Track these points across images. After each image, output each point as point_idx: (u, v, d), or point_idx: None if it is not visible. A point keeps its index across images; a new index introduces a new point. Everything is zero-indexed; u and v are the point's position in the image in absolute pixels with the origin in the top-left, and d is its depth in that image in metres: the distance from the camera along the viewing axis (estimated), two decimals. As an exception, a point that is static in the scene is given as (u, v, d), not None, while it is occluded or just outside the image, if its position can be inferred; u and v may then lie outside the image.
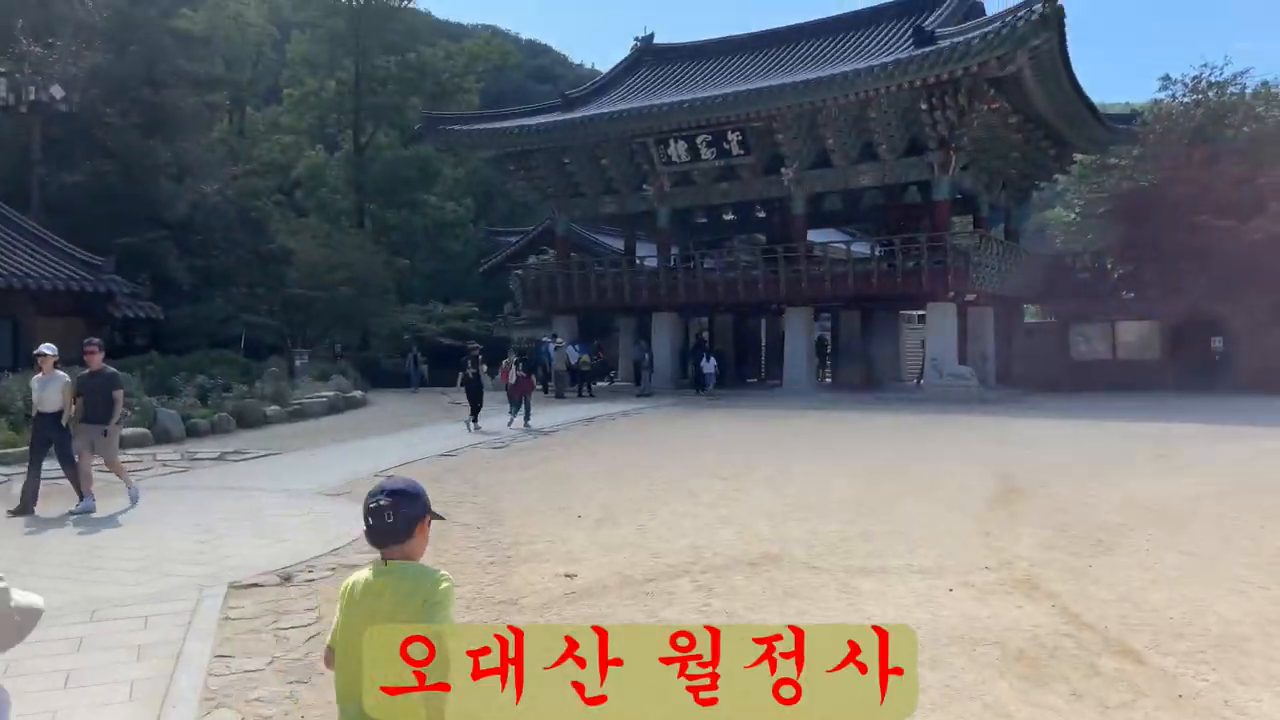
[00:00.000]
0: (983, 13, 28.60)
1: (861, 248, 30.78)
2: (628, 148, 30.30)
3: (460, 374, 19.34)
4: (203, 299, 29.33)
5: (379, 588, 2.54)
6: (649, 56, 35.73)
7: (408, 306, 43.53)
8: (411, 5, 48.66)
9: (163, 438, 16.81)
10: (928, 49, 23.51)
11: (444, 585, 2.52)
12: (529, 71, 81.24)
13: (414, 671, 2.27)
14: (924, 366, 26.41)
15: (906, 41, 26.88)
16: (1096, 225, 35.50)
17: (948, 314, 26.10)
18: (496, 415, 19.33)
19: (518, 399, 19.06)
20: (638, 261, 33.24)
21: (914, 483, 11.70)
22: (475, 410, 18.42)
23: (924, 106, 25.06)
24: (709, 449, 15.17)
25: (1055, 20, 21.51)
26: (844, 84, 24.66)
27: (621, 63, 35.77)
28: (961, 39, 22.92)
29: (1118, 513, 9.98)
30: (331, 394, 23.28)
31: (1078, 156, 33.50)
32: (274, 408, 20.52)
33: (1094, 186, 36.90)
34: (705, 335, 43.52)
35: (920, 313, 43.93)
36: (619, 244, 41.43)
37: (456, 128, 32.23)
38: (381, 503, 2.58)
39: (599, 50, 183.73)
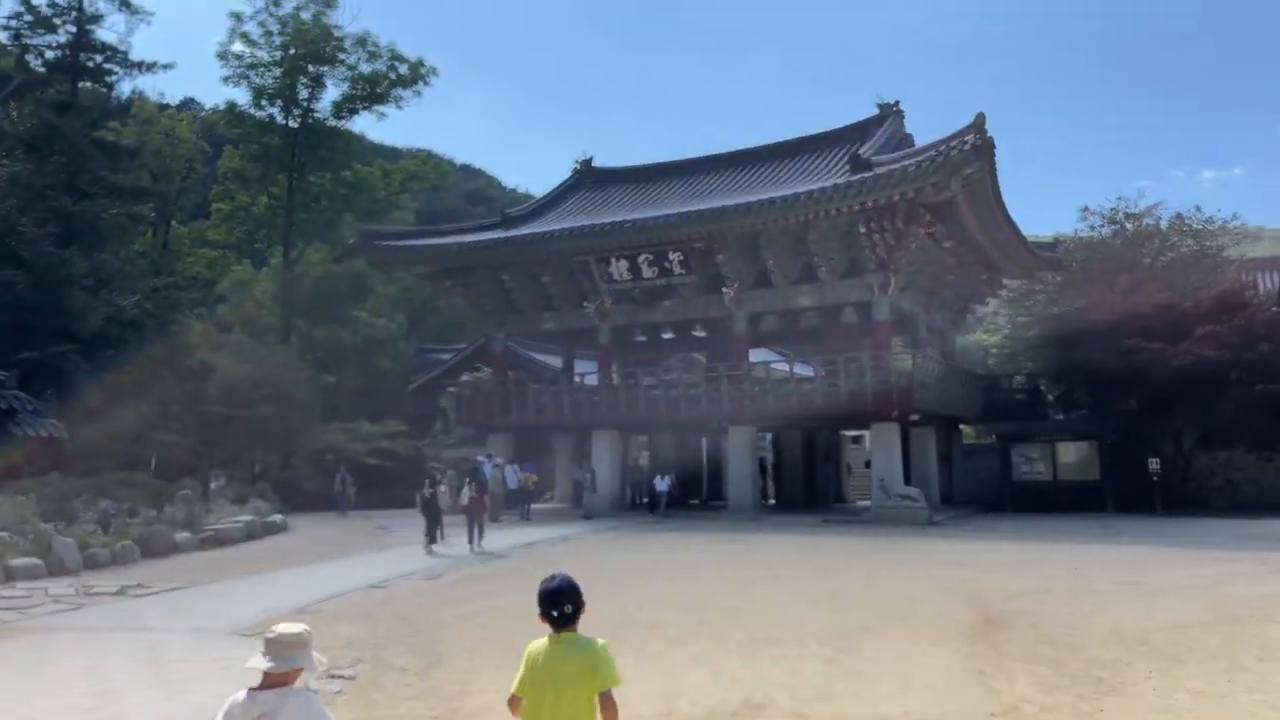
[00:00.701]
0: (913, 144, 29.74)
1: (803, 369, 30.77)
2: (569, 265, 30.12)
3: (418, 495, 19.36)
4: (113, 417, 27.52)
5: (559, 654, 3.69)
6: (589, 179, 36.13)
7: (332, 425, 41.89)
8: (346, 127, 48.84)
9: (57, 569, 15.11)
10: (865, 175, 24.10)
11: (601, 644, 3.74)
12: (463, 194, 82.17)
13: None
14: (871, 487, 26.00)
15: (844, 168, 27.63)
16: (1028, 348, 36.40)
17: (892, 434, 25.91)
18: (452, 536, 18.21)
19: (471, 519, 18.88)
20: (577, 379, 32.63)
21: (885, 610, 10.96)
22: (433, 530, 18.43)
23: (862, 230, 25.53)
24: (663, 576, 14.23)
25: (986, 150, 22.29)
26: (784, 207, 25.01)
27: (562, 184, 36.07)
28: (898, 165, 23.57)
29: (1108, 646, 9.37)
30: (249, 519, 21.62)
31: (1006, 281, 34.56)
32: (184, 534, 18.85)
33: (1021, 310, 38.14)
34: (645, 454, 42.91)
35: (859, 432, 44.33)
36: (556, 361, 40.92)
37: (392, 243, 31.75)
38: (564, 604, 3.74)
39: (532, 175, 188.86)
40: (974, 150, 22.22)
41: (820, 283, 27.35)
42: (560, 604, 3.72)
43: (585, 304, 30.74)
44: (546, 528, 22.93)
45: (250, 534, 21.06)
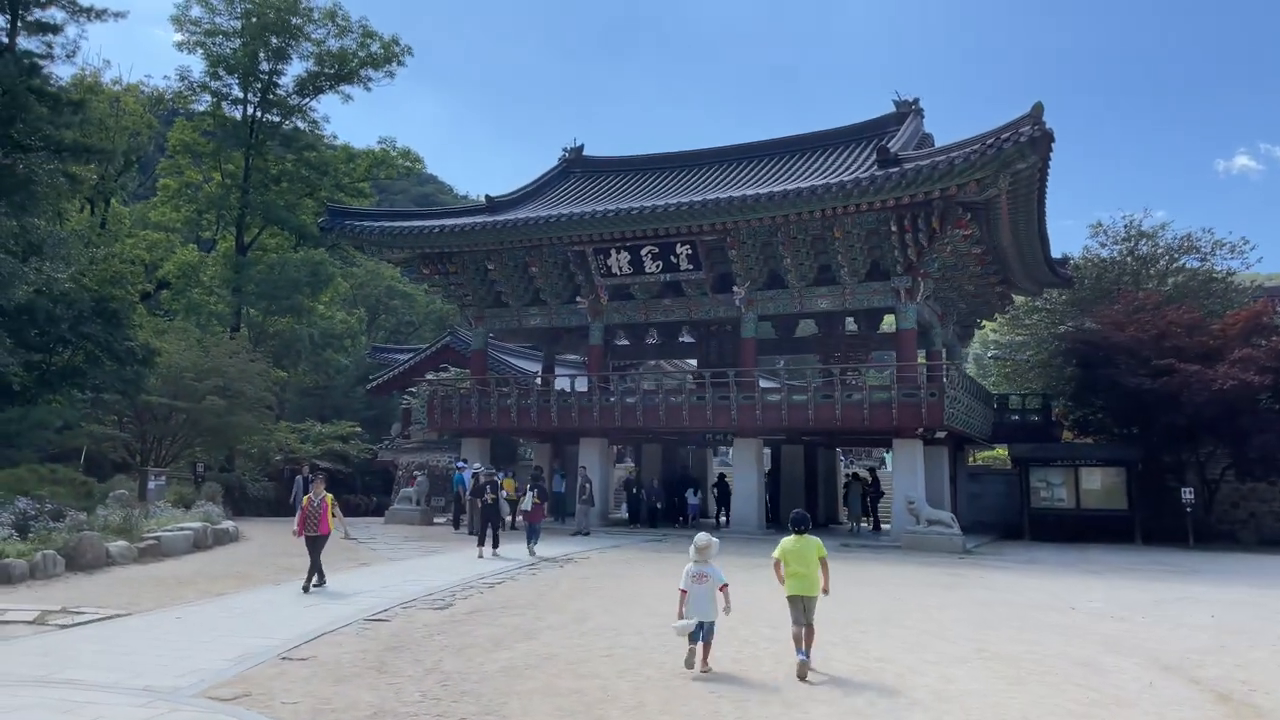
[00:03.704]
0: (933, 143, 27.81)
1: (794, 381, 28.54)
2: (562, 256, 27.48)
3: (478, 500, 19.17)
4: (36, 401, 24.06)
5: (800, 542, 8.48)
6: (578, 168, 33.58)
7: (279, 424, 38.47)
8: (310, 106, 45.34)
9: (-45, 585, 12.03)
10: (906, 167, 21.96)
11: (818, 541, 8.57)
12: (414, 198, 78.42)
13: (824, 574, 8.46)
14: (894, 510, 23.74)
15: (865, 165, 25.52)
16: (1033, 367, 34.77)
17: (916, 452, 23.76)
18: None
19: (530, 527, 18.92)
20: (564, 383, 29.99)
21: (1086, 684, 8.49)
22: (495, 538, 18.04)
23: (893, 229, 23.40)
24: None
25: (1044, 144, 20.31)
26: (812, 199, 22.76)
27: (548, 172, 33.41)
28: (942, 158, 21.47)
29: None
30: (198, 525, 18.48)
31: (1015, 297, 32.88)
32: (120, 543, 15.74)
33: (1021, 329, 36.55)
34: (623, 465, 40.26)
35: (851, 450, 42.30)
36: (527, 365, 38.15)
37: (366, 224, 28.70)
38: (802, 525, 8.61)
39: (485, 184, 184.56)
40: (1030, 143, 20.20)
41: (840, 285, 25.14)
42: (802, 525, 8.66)
43: (578, 299, 28.08)
44: (543, 545, 20.16)
45: (198, 543, 17.98)
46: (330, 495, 13.63)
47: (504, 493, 20.36)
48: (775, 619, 10.33)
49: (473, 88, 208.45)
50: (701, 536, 8.58)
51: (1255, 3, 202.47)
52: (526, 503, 19.38)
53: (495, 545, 17.90)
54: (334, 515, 13.48)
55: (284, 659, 8.51)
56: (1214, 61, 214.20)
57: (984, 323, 34.66)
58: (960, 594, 13.96)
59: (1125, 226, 33.20)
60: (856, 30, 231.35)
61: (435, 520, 28.18)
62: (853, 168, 25.96)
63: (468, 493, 24.55)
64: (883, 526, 29.66)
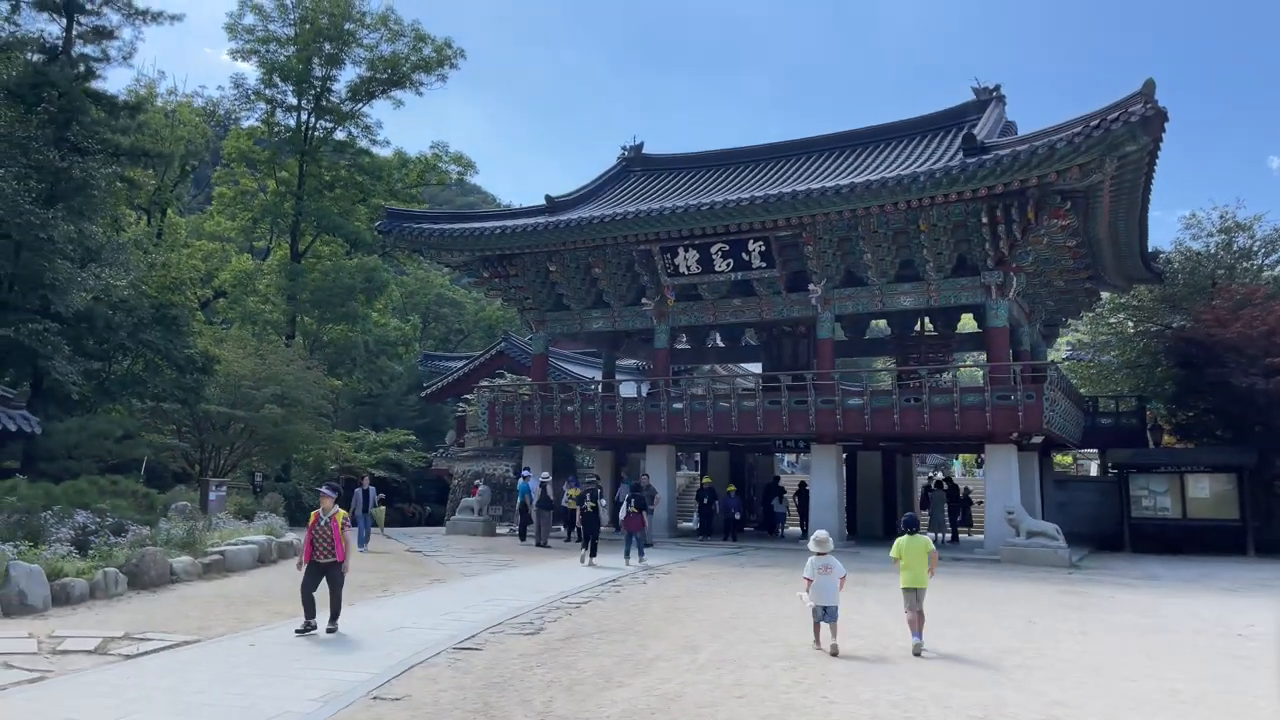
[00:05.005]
0: (1016, 131, 26.28)
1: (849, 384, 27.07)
2: (627, 256, 26.40)
3: (578, 509, 19.94)
4: (96, 411, 23.56)
5: (913, 541, 9.94)
6: (638, 166, 32.54)
7: (333, 432, 37.90)
8: (364, 111, 44.97)
9: (15, 607, 11.26)
10: (1002, 152, 20.49)
11: (928, 538, 10.49)
12: (459, 209, 78.00)
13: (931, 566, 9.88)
14: (989, 521, 22.19)
15: (948, 155, 24.10)
16: (1123, 367, 32.91)
17: (1010, 458, 22.23)
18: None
19: (629, 536, 18.60)
20: (630, 389, 28.92)
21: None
22: (593, 546, 18.36)
23: (984, 220, 21.93)
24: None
25: (1157, 124, 18.70)
26: (898, 189, 21.37)
27: (607, 171, 32.40)
28: (1041, 142, 19.96)
29: None
30: (262, 539, 17.66)
31: (1104, 295, 31.09)
32: (184, 558, 14.93)
33: (1106, 328, 34.69)
34: (681, 471, 39.09)
35: (926, 455, 40.58)
36: (586, 372, 37.17)
37: (426, 226, 27.88)
38: (912, 528, 10.15)
39: (528, 194, 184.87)
40: (1142, 123, 18.60)
41: (924, 282, 23.68)
42: (913, 527, 10.12)
43: (643, 300, 26.97)
44: (609, 556, 19.04)
45: (262, 558, 17.15)
46: (342, 512, 10.76)
47: (603, 502, 20.09)
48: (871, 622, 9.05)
49: (510, 95, 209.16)
50: (820, 532, 10.25)
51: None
52: (622, 511, 19.34)
53: (594, 554, 18.26)
54: (344, 540, 10.68)
55: (375, 698, 7.46)
56: (1266, 60, 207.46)
57: (1070, 321, 32.88)
58: (1098, 617, 12.52)
59: (1220, 218, 31.21)
60: (890, 29, 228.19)
61: (498, 530, 27.28)
62: (935, 158, 24.52)
63: (534, 503, 23.63)
64: (960, 537, 28.12)
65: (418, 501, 42.36)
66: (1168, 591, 15.55)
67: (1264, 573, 19.04)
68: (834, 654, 9.34)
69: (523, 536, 24.12)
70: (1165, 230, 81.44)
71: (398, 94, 44.34)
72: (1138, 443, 28.49)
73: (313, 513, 10.82)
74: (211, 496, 21.97)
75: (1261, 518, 24.45)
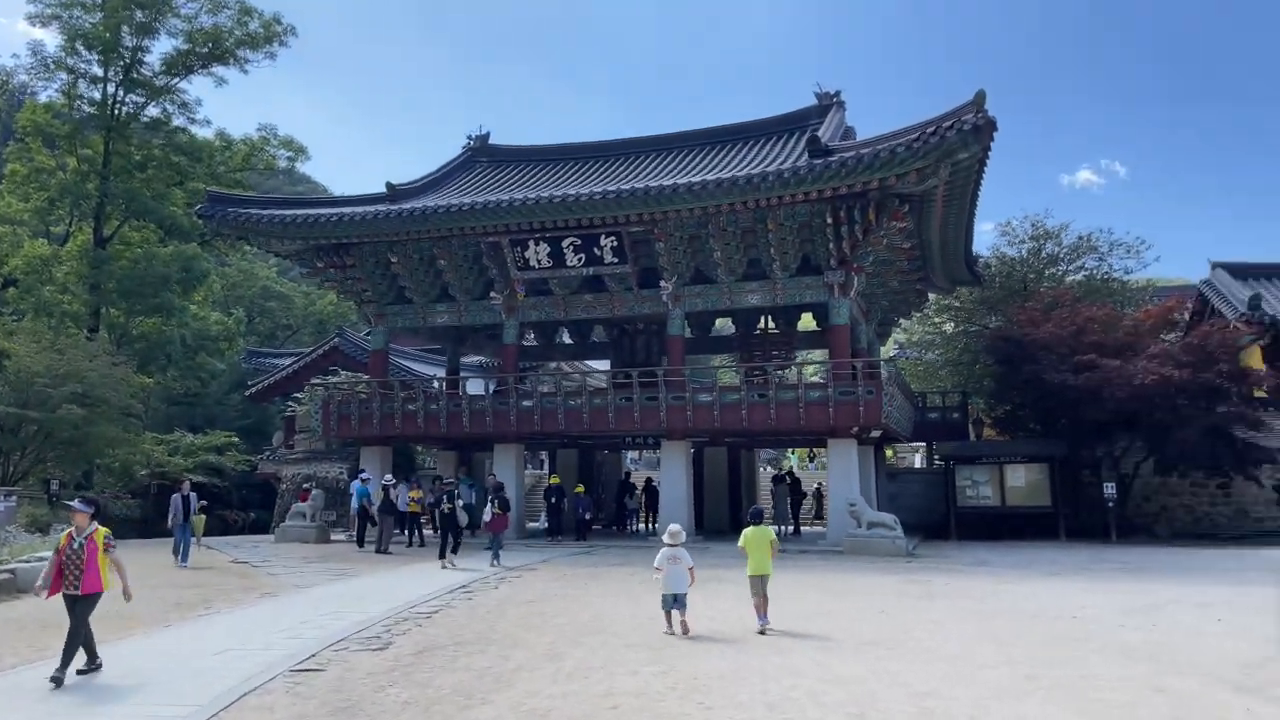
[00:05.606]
0: (854, 136, 27.29)
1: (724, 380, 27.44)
2: (475, 248, 25.50)
3: (434, 510, 20.00)
4: None
5: (757, 531, 10.82)
6: (484, 156, 31.63)
7: (144, 435, 34.79)
8: (181, 86, 41.56)
9: None
10: (847, 154, 21.08)
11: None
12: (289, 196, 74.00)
13: (772, 553, 10.77)
14: (830, 513, 22.80)
15: (794, 156, 24.66)
16: (945, 365, 34.84)
17: (851, 452, 22.95)
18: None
19: (494, 537, 18.32)
20: (477, 387, 27.97)
21: (1138, 704, 7.40)
22: (456, 546, 18.24)
23: (829, 221, 22.50)
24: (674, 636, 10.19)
25: (987, 132, 19.76)
26: (748, 187, 21.60)
27: (452, 161, 31.30)
28: (883, 146, 20.66)
29: None
30: (60, 554, 15.69)
31: (930, 296, 32.80)
32: (-36, 579, 13.03)
33: (930, 327, 36.65)
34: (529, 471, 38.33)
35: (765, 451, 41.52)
36: (428, 370, 35.79)
37: (254, 211, 25.92)
38: (757, 519, 11.09)
39: (360, 187, 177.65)
40: (974, 131, 19.61)
41: (771, 280, 24.11)
42: (758, 519, 11.08)
43: (491, 295, 26.14)
44: (464, 558, 18.25)
45: (61, 576, 15.20)
46: (104, 530, 8.61)
47: (460, 502, 19.12)
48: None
49: (348, 87, 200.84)
50: (675, 525, 11.17)
51: (1092, 18, 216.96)
52: (487, 513, 18.87)
53: (455, 551, 18.13)
54: (110, 563, 8.54)
55: (202, 736, 6.53)
56: (1055, 77, 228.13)
57: (900, 321, 34.52)
58: (945, 604, 12.92)
59: (1032, 226, 33.60)
60: (744, 30, 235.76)
61: (333, 537, 25.72)
62: (781, 159, 25.04)
63: (374, 506, 22.40)
64: (803, 529, 28.96)
65: (241, 508, 39.56)
66: (1000, 577, 16.34)
67: (1079, 556, 20.45)
68: (685, 633, 10.16)
69: (361, 543, 22.83)
70: (982, 238, 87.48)
71: (220, 70, 41.36)
72: (961, 436, 30.22)
73: (64, 532, 8.70)
74: (0, 507, 19.50)
75: (1071, 505, 26.38)
